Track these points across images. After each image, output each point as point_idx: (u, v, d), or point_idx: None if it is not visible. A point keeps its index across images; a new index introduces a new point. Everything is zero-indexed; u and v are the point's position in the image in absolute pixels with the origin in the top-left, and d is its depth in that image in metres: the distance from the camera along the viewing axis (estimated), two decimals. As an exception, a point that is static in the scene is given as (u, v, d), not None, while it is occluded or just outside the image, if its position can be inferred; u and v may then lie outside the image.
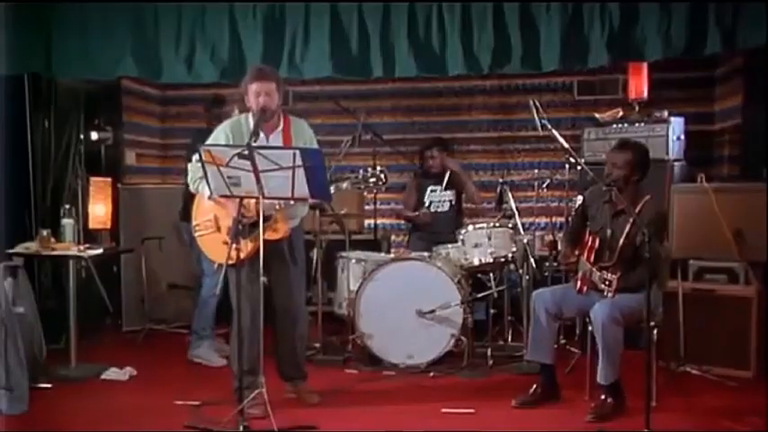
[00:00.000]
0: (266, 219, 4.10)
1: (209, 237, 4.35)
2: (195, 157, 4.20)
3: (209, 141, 4.28)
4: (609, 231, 4.34)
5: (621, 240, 4.25)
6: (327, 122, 7.45)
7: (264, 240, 4.02)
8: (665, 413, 4.15)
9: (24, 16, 5.30)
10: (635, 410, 4.04)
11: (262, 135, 4.25)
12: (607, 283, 4.10)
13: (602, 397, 4.23)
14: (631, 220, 4.20)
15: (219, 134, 4.34)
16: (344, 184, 4.39)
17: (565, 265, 4.63)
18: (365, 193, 6.86)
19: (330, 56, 5.21)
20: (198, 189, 4.30)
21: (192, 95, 7.43)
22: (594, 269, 4.23)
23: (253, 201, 4.05)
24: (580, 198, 4.75)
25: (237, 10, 5.27)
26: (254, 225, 4.05)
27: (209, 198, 4.17)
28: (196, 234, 4.43)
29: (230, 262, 4.07)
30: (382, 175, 4.34)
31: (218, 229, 4.31)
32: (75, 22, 5.38)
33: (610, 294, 4.10)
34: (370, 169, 4.38)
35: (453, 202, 6.10)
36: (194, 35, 5.32)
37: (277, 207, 4.18)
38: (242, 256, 4.02)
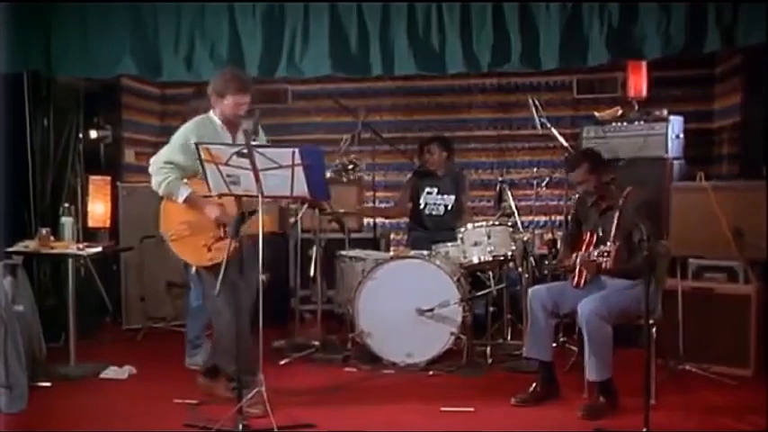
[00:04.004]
0: (251, 213, 4.13)
1: (186, 240, 4.30)
2: (160, 158, 4.24)
3: (174, 141, 4.31)
4: (600, 230, 4.36)
5: (613, 232, 4.27)
6: (327, 121, 7.48)
7: (245, 237, 4.08)
8: (665, 411, 4.15)
9: (24, 14, 5.30)
10: (634, 409, 4.03)
11: (229, 134, 4.33)
12: (605, 254, 4.09)
13: (595, 395, 4.24)
14: (617, 212, 4.25)
15: (189, 135, 4.28)
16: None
17: (561, 267, 4.64)
18: (364, 192, 6.88)
19: (329, 54, 5.22)
20: (169, 191, 4.25)
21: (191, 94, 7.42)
22: (592, 250, 4.24)
23: (231, 200, 4.09)
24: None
25: (237, 8, 5.27)
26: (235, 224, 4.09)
27: (184, 201, 4.19)
28: (170, 239, 4.36)
29: (209, 264, 4.15)
30: (356, 161, 4.69)
31: (194, 232, 4.27)
32: (74, 20, 5.38)
33: (609, 264, 4.08)
34: (345, 158, 4.64)
35: (449, 207, 6.06)
36: (194, 33, 5.32)
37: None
38: (223, 256, 4.06)
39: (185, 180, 4.26)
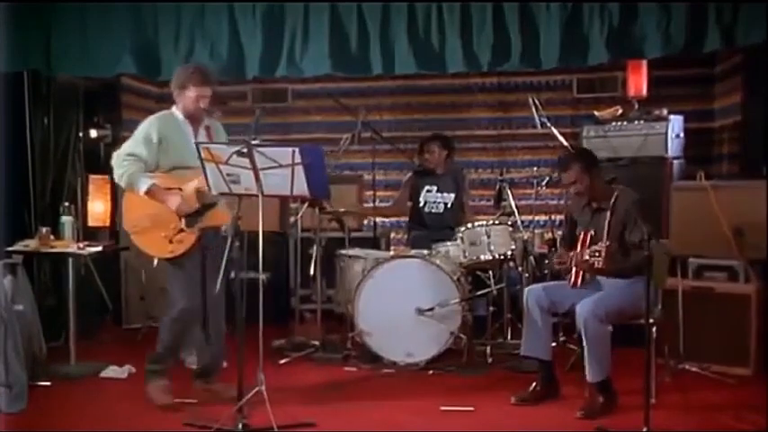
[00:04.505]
0: (211, 206, 4.22)
1: (147, 233, 4.31)
2: (123, 151, 4.25)
3: (137, 134, 4.30)
4: (593, 231, 4.36)
5: (605, 233, 4.28)
6: (327, 120, 7.47)
7: (203, 228, 4.21)
8: (665, 411, 4.15)
9: (24, 14, 5.30)
10: (634, 408, 4.04)
11: (191, 129, 4.36)
12: (597, 254, 4.09)
13: (594, 394, 4.25)
14: (608, 213, 4.29)
15: (151, 128, 4.30)
16: None
17: (558, 267, 4.64)
18: (365, 191, 6.88)
19: (329, 53, 5.22)
20: (130, 183, 4.24)
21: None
22: (585, 250, 4.25)
23: (192, 193, 4.18)
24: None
25: (237, 7, 5.27)
26: (194, 215, 4.22)
27: (146, 193, 4.20)
28: (131, 232, 4.38)
29: (170, 256, 4.23)
30: None
31: (155, 225, 4.27)
32: (74, 19, 5.39)
33: (601, 264, 4.08)
34: None
35: (449, 205, 6.04)
36: (194, 32, 5.33)
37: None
38: (184, 248, 4.19)
39: (147, 173, 4.27)
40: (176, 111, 4.41)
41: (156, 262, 4.47)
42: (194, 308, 4.33)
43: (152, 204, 4.26)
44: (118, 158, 4.29)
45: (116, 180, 4.35)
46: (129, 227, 4.40)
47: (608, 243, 4.11)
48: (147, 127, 4.33)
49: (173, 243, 4.25)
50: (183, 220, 4.25)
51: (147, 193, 4.22)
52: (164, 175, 4.30)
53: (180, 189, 4.25)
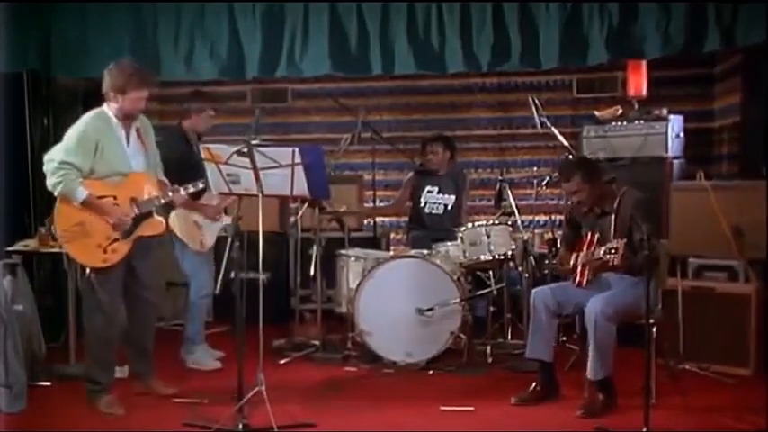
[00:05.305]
0: (147, 216, 4.22)
1: (79, 243, 4.20)
2: (56, 157, 4.13)
3: (70, 139, 4.18)
4: (598, 234, 4.36)
5: (611, 234, 4.28)
6: (326, 120, 7.47)
7: (138, 237, 4.22)
8: (665, 411, 4.15)
9: (24, 14, 5.31)
10: (634, 408, 4.04)
11: (124, 132, 4.28)
12: (613, 251, 4.07)
13: (594, 393, 4.25)
14: (613, 215, 4.28)
15: (87, 130, 4.20)
16: None
17: (562, 267, 4.64)
18: (365, 191, 6.88)
19: (329, 53, 5.23)
20: (66, 192, 4.13)
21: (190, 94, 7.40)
22: (598, 248, 4.24)
23: (128, 203, 4.18)
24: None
25: (237, 7, 5.28)
26: (132, 225, 4.21)
27: (82, 203, 4.12)
28: (62, 241, 4.29)
29: (103, 265, 4.18)
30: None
31: (87, 233, 4.18)
32: (74, 19, 5.40)
33: (617, 261, 4.06)
34: None
35: (449, 207, 6.03)
36: (193, 32, 5.34)
37: (157, 203, 4.28)
38: (118, 258, 4.17)
39: (81, 180, 4.15)
40: (109, 111, 4.27)
41: (88, 271, 4.33)
42: (117, 320, 4.32)
43: (85, 213, 4.15)
44: (51, 165, 4.13)
45: (49, 188, 4.18)
46: (60, 234, 4.28)
47: (624, 240, 4.10)
48: (83, 131, 4.19)
49: (107, 252, 4.17)
50: (120, 231, 4.19)
51: (84, 203, 4.13)
52: (97, 182, 4.17)
53: (114, 198, 4.18)
